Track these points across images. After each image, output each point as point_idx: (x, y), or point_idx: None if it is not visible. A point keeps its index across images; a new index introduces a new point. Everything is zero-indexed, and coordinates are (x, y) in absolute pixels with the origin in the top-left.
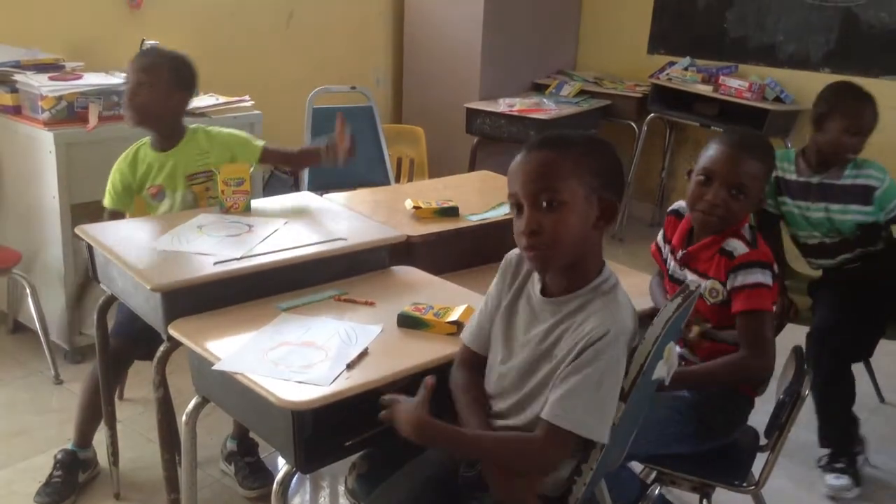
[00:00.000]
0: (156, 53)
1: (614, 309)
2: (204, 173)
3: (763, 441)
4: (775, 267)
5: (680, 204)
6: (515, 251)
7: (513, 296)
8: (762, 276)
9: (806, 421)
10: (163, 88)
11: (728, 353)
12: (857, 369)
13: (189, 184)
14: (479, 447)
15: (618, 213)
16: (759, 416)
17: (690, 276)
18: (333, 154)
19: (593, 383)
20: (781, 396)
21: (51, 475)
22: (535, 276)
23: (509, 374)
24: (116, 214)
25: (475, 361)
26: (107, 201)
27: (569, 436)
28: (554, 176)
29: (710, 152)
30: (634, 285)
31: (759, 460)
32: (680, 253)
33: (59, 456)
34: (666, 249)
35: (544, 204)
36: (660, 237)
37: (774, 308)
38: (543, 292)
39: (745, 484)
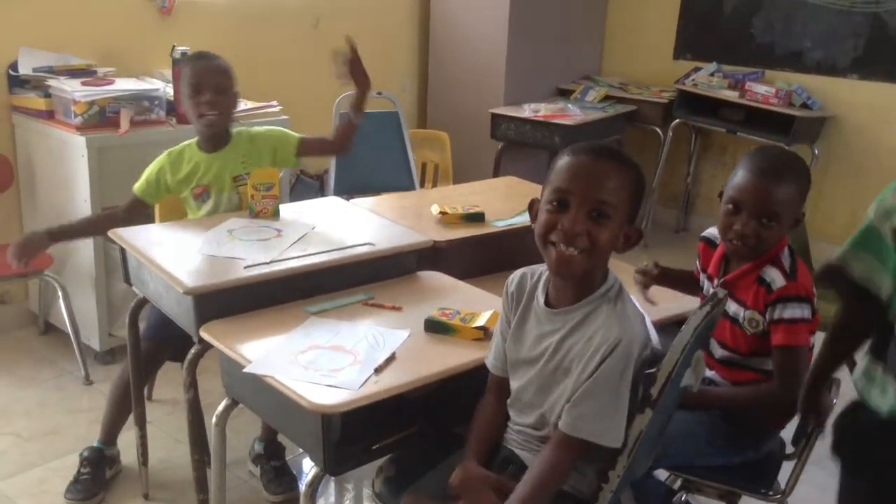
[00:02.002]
0: (220, 61)
1: (622, 317)
2: (249, 174)
3: (790, 449)
4: (815, 299)
5: (711, 231)
6: (514, 275)
7: (520, 314)
8: (800, 311)
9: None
10: (233, 93)
11: (754, 379)
12: None
13: (236, 185)
14: (531, 495)
15: (639, 241)
16: (786, 424)
17: (732, 305)
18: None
19: (608, 394)
20: None
21: (79, 472)
22: (540, 289)
23: (528, 388)
24: (140, 204)
25: (503, 384)
26: (136, 187)
27: (584, 444)
28: (615, 190)
29: (738, 180)
30: (659, 290)
31: (786, 468)
32: (717, 282)
33: (85, 454)
34: (703, 277)
35: (595, 213)
36: (697, 263)
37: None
38: (548, 304)
39: (771, 492)
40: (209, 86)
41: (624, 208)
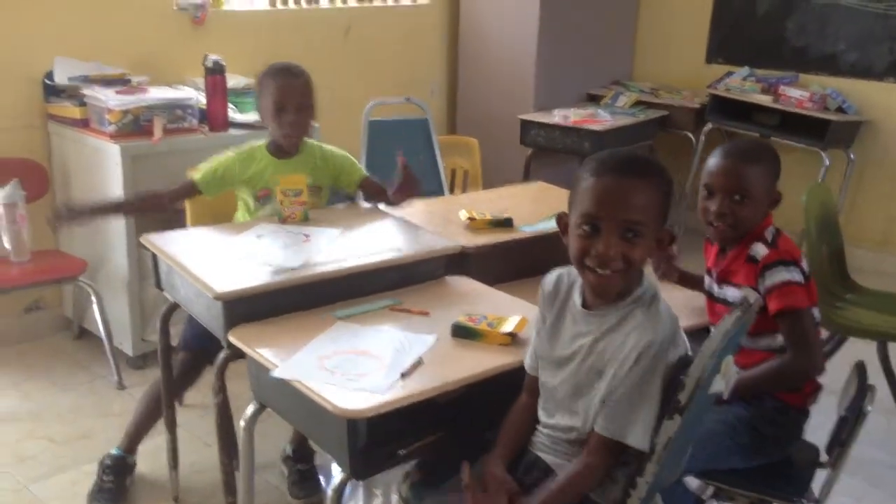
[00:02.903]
0: (304, 76)
1: (655, 320)
2: (313, 188)
3: (824, 458)
4: (803, 263)
5: None
6: (550, 276)
7: (556, 314)
8: (788, 274)
9: (869, 438)
10: (314, 107)
11: (765, 359)
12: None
13: None
14: (556, 494)
15: (673, 243)
16: (820, 432)
17: (730, 291)
18: (401, 197)
19: (640, 395)
20: (844, 413)
21: (102, 480)
22: (577, 290)
23: (560, 388)
24: (193, 191)
25: (536, 388)
26: (197, 175)
27: (618, 445)
28: (643, 207)
29: (708, 166)
30: (688, 298)
31: (820, 477)
32: (715, 272)
33: (107, 462)
34: (706, 277)
35: (629, 234)
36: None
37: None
38: (584, 305)
39: (804, 501)
40: (293, 104)
41: (655, 219)
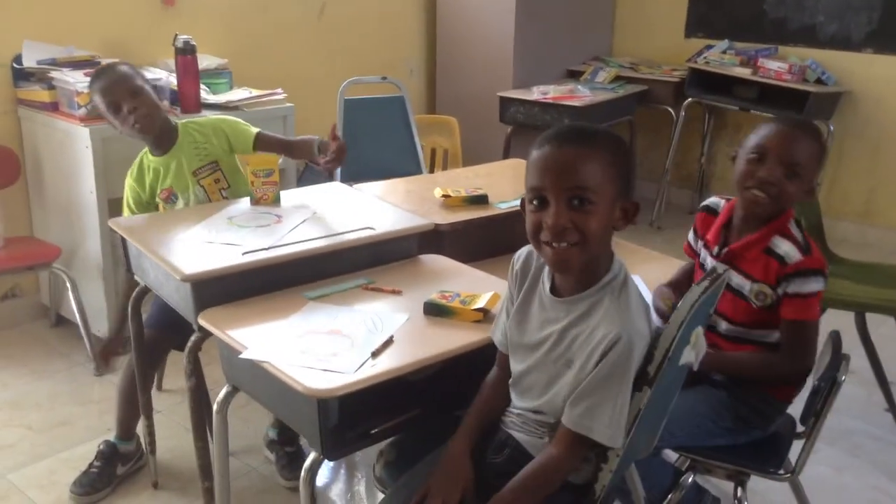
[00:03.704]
0: (119, 67)
1: (624, 310)
2: (208, 165)
3: (800, 428)
4: (827, 272)
5: (713, 200)
6: (521, 251)
7: (524, 295)
8: (817, 285)
9: (848, 409)
10: (149, 91)
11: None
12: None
13: (197, 179)
14: (523, 493)
15: (637, 214)
16: (796, 402)
17: (735, 277)
18: (323, 153)
19: (609, 391)
20: (817, 382)
21: (90, 465)
22: (545, 274)
23: (530, 374)
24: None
25: (506, 363)
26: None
27: (587, 441)
28: (588, 174)
29: (763, 131)
30: (671, 269)
31: (797, 447)
32: (716, 249)
33: (101, 447)
34: (699, 245)
35: (575, 202)
36: (691, 235)
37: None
38: (553, 291)
39: (781, 471)
40: (122, 96)
41: (609, 187)
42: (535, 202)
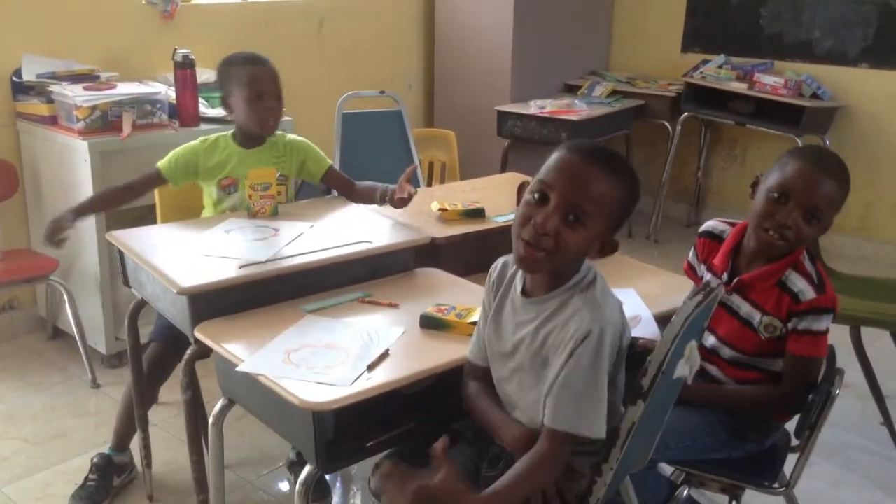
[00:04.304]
0: (268, 61)
1: (594, 305)
2: (280, 177)
3: (795, 442)
4: (838, 310)
5: (713, 224)
6: (498, 261)
7: (498, 302)
8: (827, 323)
9: (844, 423)
10: (283, 105)
11: (757, 380)
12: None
13: None
14: (517, 487)
15: (613, 252)
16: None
17: (744, 307)
18: (389, 200)
19: (584, 383)
20: (811, 396)
21: (86, 478)
22: (518, 278)
23: (511, 380)
24: (159, 180)
25: (483, 374)
26: (161, 164)
27: (569, 437)
28: (597, 197)
29: (789, 169)
30: (666, 283)
31: (792, 461)
32: (725, 276)
33: (95, 459)
34: (702, 269)
35: (571, 217)
36: (692, 256)
37: None
38: (524, 293)
39: (775, 485)
40: (272, 93)
41: (605, 218)
42: (536, 196)
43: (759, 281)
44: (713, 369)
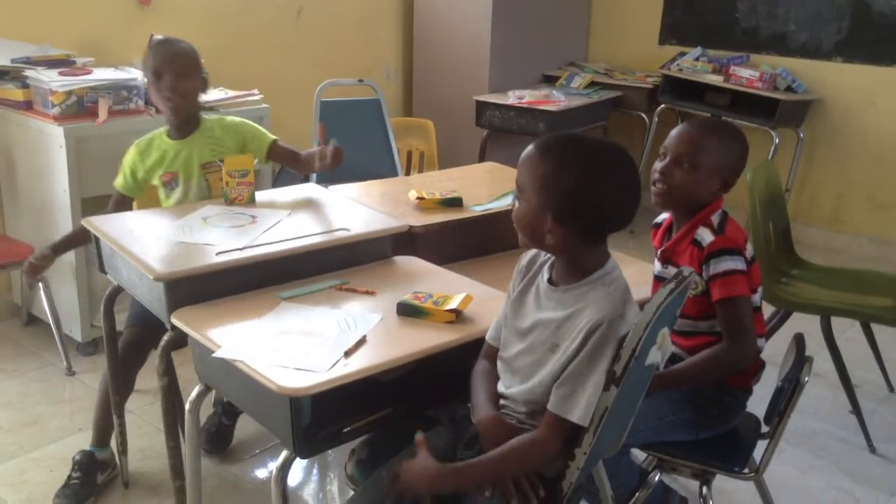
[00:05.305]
0: (183, 45)
1: (608, 298)
2: (219, 161)
3: (765, 429)
4: (747, 251)
5: (660, 216)
6: (526, 253)
7: (524, 286)
8: (732, 263)
9: (814, 411)
10: (198, 77)
11: (709, 343)
12: (868, 359)
13: (204, 172)
14: (495, 465)
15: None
16: (761, 403)
17: (672, 271)
18: (321, 162)
19: (590, 374)
20: (781, 383)
21: (69, 477)
22: (546, 268)
23: (519, 359)
24: (124, 200)
25: (494, 356)
26: (117, 182)
27: (566, 423)
28: (524, 176)
29: (669, 134)
30: (640, 273)
31: (762, 447)
32: (658, 253)
33: (77, 457)
34: (656, 260)
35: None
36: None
37: (754, 292)
38: (550, 282)
39: (745, 470)
40: (171, 70)
41: (534, 195)
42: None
43: (677, 245)
44: (673, 347)
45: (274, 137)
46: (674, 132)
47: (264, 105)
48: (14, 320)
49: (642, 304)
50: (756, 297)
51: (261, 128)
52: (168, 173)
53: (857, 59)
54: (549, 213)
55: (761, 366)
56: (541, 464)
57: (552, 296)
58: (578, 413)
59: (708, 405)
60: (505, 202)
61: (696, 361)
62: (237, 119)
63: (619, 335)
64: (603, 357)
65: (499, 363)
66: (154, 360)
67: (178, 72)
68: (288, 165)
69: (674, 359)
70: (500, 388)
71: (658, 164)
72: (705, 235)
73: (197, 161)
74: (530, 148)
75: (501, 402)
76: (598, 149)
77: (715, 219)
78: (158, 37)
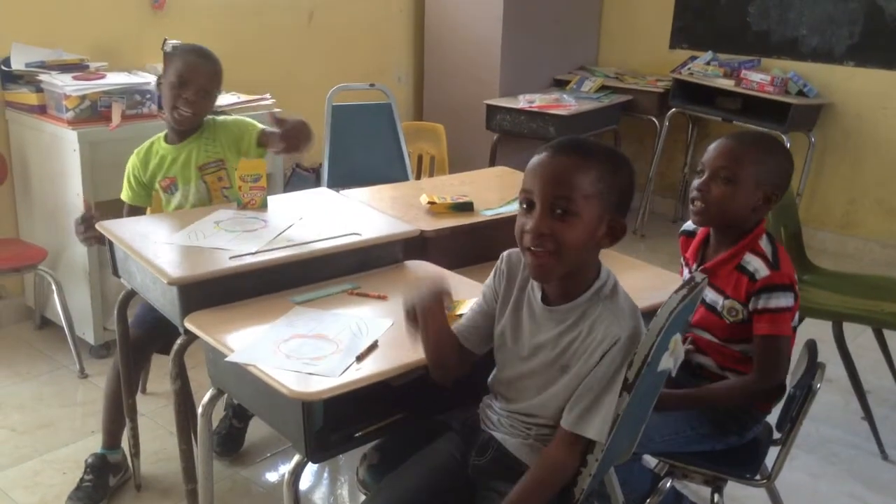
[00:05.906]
0: (214, 60)
1: (619, 314)
2: (214, 163)
3: (777, 435)
4: (797, 286)
5: (689, 224)
6: (511, 251)
7: (514, 303)
8: (785, 300)
9: (826, 417)
10: (216, 96)
11: (738, 360)
12: (880, 365)
13: (201, 174)
14: (527, 498)
15: (624, 235)
16: (774, 409)
17: (709, 294)
18: (275, 142)
19: (606, 390)
20: (793, 390)
21: (81, 479)
22: (536, 286)
23: (524, 381)
24: (135, 210)
25: (463, 355)
26: (124, 195)
27: (583, 439)
28: (575, 186)
29: (708, 148)
30: (653, 277)
31: (774, 454)
32: (694, 267)
33: (89, 460)
34: (685, 269)
35: (558, 211)
36: (681, 259)
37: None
38: (544, 300)
39: (757, 477)
40: (195, 84)
41: (595, 202)
42: (524, 205)
43: (720, 266)
44: (702, 358)
45: (261, 127)
46: (711, 146)
47: (277, 109)
48: (27, 323)
49: (653, 311)
50: (795, 318)
51: (248, 119)
52: (167, 178)
53: (868, 64)
54: (606, 218)
55: (783, 391)
56: (565, 481)
57: (551, 316)
58: (595, 429)
59: (727, 422)
60: (516, 206)
61: (722, 388)
62: (228, 117)
63: (633, 349)
64: (620, 373)
65: (496, 382)
66: (166, 363)
67: (203, 88)
68: (275, 146)
69: (688, 366)
70: (500, 403)
71: (696, 182)
72: (759, 267)
73: (193, 164)
74: (556, 160)
75: (504, 413)
76: (613, 151)
77: (765, 246)
78: (191, 45)
